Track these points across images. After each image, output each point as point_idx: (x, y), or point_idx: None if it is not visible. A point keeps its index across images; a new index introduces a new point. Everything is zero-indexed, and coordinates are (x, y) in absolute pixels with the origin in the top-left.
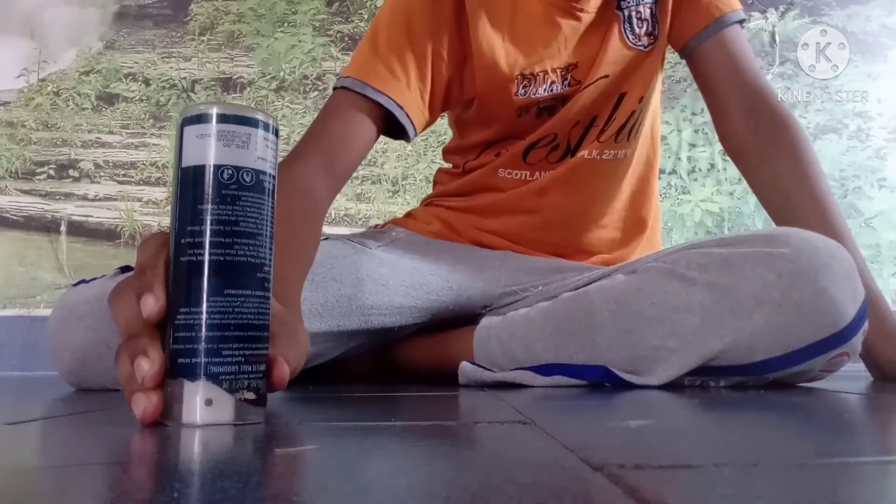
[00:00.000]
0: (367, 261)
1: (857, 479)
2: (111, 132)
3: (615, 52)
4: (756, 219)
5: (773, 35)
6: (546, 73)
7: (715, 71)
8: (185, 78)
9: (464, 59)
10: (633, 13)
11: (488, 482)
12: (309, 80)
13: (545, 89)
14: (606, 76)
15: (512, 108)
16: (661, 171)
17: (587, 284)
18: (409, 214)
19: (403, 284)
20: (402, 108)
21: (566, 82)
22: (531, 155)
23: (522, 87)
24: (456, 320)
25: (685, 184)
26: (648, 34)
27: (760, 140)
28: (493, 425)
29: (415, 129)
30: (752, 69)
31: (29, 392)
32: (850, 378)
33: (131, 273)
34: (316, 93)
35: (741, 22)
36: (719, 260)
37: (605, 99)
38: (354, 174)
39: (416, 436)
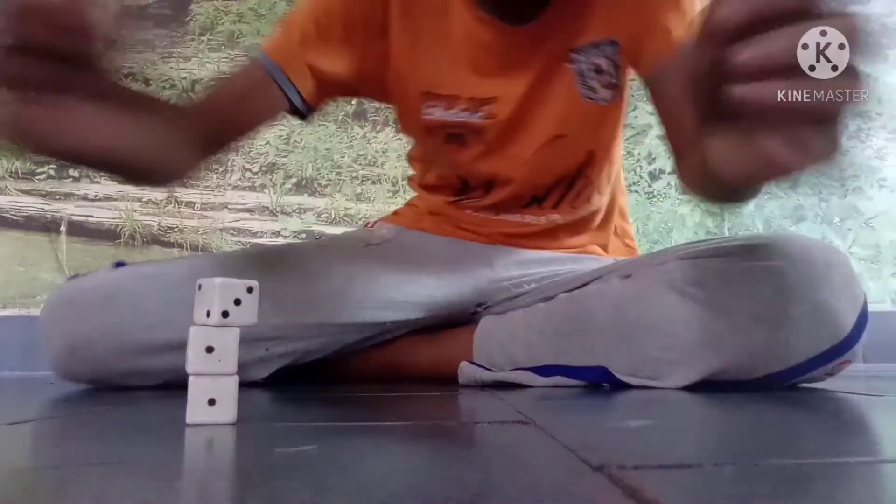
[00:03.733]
0: (357, 257)
1: (857, 479)
2: None
3: (569, 108)
4: (756, 219)
5: None
6: (456, 97)
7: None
8: (185, 78)
9: (387, 62)
10: (585, 67)
11: (488, 482)
12: None
13: (452, 115)
14: (564, 135)
15: (420, 126)
16: (661, 172)
17: (583, 285)
18: (396, 213)
19: (394, 280)
20: (301, 96)
21: (479, 114)
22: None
23: (429, 107)
24: (450, 320)
25: None
26: (608, 84)
27: None
28: (493, 425)
29: (307, 104)
30: None
31: (29, 392)
32: (850, 378)
33: (126, 267)
34: None
35: None
36: (714, 275)
37: (570, 158)
38: (354, 174)
39: (416, 436)
